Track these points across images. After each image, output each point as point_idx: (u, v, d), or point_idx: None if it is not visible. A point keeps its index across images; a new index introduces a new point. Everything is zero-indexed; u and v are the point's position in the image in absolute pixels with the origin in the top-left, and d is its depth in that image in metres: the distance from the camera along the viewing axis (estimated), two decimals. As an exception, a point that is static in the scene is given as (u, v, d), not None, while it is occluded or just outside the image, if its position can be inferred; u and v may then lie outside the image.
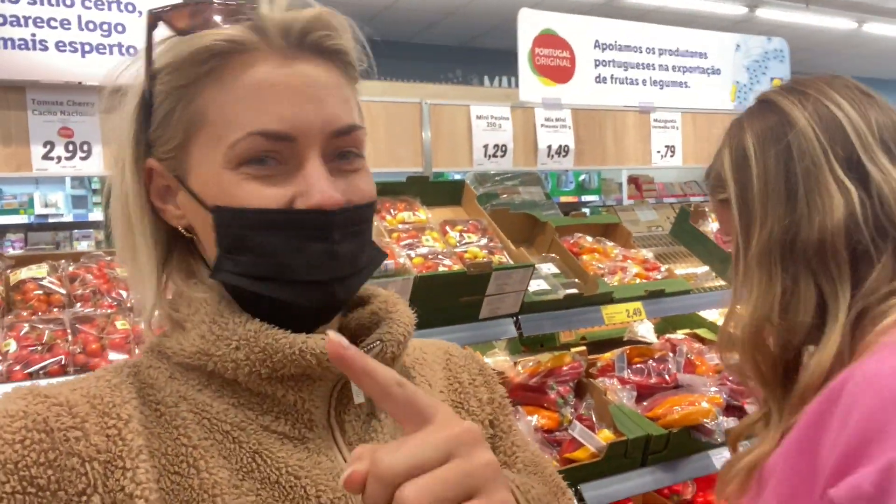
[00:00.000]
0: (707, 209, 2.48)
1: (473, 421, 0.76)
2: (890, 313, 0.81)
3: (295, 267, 0.60)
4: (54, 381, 0.62)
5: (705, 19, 7.69)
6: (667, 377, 1.91)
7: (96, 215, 5.99)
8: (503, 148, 2.45)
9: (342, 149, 0.63)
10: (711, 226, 2.43)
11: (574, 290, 1.90)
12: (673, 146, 2.70)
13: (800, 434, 0.79)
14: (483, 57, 8.11)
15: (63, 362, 1.46)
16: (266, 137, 0.59)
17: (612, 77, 2.66)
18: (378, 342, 0.66)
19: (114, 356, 1.51)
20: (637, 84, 2.66)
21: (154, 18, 0.61)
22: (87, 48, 1.79)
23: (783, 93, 0.94)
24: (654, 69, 2.66)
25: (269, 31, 0.60)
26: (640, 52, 2.65)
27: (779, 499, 0.80)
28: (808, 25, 8.25)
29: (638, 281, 2.07)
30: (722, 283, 2.20)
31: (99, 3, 1.79)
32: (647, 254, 2.24)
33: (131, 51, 1.68)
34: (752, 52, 2.78)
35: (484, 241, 1.95)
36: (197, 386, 0.62)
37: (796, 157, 0.88)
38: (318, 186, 0.59)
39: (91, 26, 1.79)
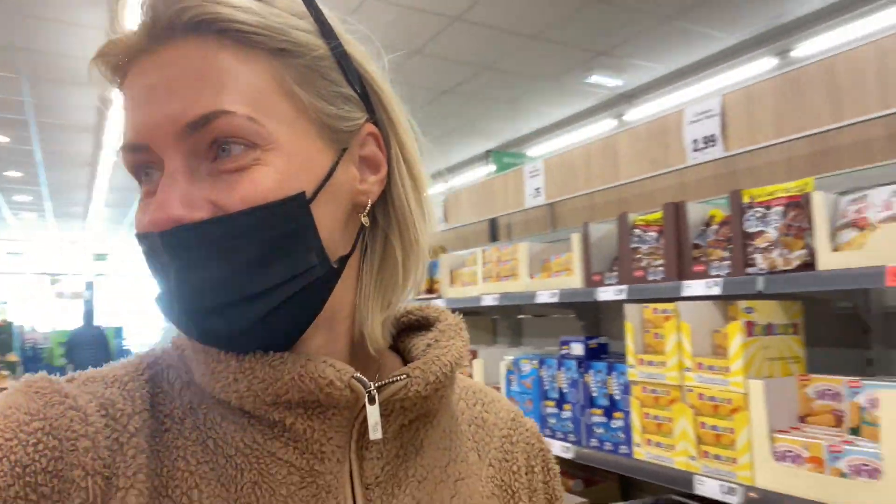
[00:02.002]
0: None
1: None
2: None
3: (166, 298, 0.52)
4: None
5: None
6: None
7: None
8: None
9: (215, 142, 0.50)
10: None
11: None
12: None
13: None
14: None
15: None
16: (126, 151, 0.53)
17: None
18: (404, 376, 0.56)
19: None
20: None
21: None
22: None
23: None
24: None
25: (137, 30, 0.52)
26: None
27: None
28: None
29: None
30: None
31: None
32: None
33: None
34: None
35: None
36: (210, 400, 0.55)
37: None
38: (154, 203, 0.50)
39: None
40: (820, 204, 1.68)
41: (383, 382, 0.55)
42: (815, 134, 2.12)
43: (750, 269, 1.84)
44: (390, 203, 0.61)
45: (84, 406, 0.51)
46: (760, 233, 1.85)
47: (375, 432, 0.54)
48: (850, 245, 1.62)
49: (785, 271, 1.75)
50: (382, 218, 0.61)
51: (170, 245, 0.49)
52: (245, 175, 0.50)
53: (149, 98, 0.51)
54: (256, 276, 0.50)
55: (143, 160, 0.53)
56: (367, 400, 0.54)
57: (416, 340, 0.65)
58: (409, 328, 0.68)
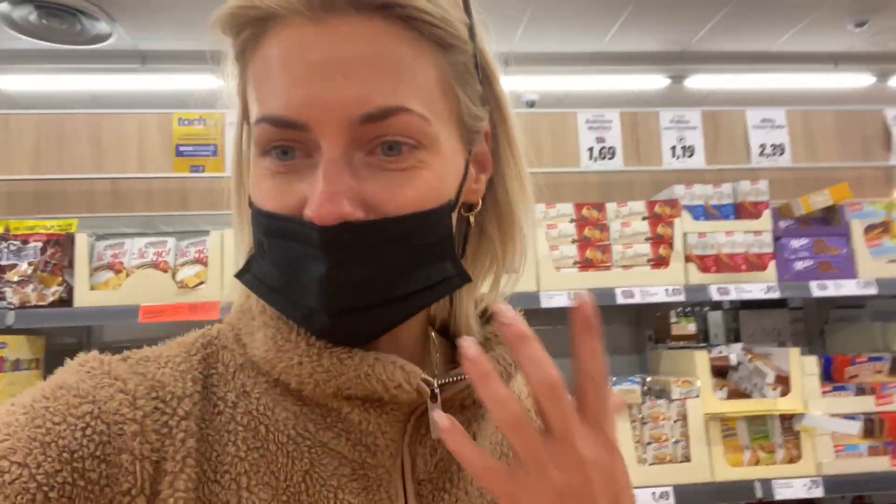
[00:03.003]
0: None
1: None
2: None
3: (295, 287, 0.48)
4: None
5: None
6: None
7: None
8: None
9: (384, 138, 0.46)
10: None
11: None
12: None
13: None
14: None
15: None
16: (273, 125, 0.46)
17: None
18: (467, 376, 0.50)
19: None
20: None
21: None
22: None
23: None
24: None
25: None
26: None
27: None
28: None
29: None
30: None
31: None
32: None
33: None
34: None
35: None
36: (264, 384, 0.53)
37: None
38: (315, 192, 0.45)
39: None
40: (83, 244, 1.79)
41: (446, 381, 0.53)
42: (79, 178, 2.22)
43: (-2, 303, 1.76)
44: (490, 197, 0.58)
45: (133, 389, 0.49)
46: (14, 266, 1.80)
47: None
48: (107, 285, 1.78)
49: (38, 306, 1.76)
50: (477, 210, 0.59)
51: (331, 242, 0.46)
52: (408, 177, 0.48)
53: (317, 75, 0.45)
54: (399, 282, 0.49)
55: (289, 137, 0.47)
56: (429, 399, 0.52)
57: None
58: None
